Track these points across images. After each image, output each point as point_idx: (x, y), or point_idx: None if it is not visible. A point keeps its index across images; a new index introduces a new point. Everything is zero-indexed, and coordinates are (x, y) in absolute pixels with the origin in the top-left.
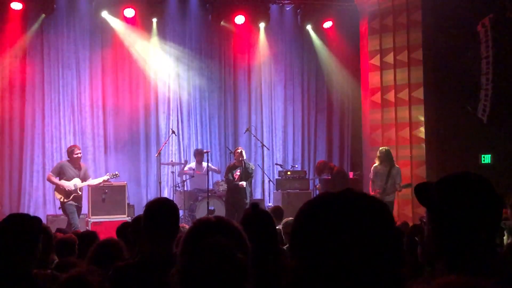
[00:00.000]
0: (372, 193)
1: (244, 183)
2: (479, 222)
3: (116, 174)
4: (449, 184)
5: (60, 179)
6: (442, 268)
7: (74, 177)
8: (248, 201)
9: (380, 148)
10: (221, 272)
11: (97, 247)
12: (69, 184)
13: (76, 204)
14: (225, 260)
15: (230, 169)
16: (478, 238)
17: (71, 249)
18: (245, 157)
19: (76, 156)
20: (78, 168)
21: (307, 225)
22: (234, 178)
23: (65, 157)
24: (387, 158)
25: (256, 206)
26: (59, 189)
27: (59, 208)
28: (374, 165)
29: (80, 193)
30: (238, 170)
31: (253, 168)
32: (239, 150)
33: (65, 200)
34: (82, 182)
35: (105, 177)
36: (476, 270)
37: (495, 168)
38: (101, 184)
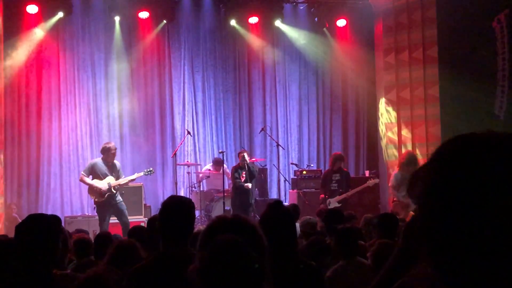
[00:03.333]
0: (400, 207)
1: (249, 185)
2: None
3: (150, 171)
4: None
5: (92, 179)
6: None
7: (107, 176)
8: (253, 201)
9: (409, 153)
10: (234, 269)
11: (115, 249)
12: (102, 185)
13: (111, 202)
14: (237, 257)
15: (236, 169)
16: None
17: (87, 249)
18: (248, 160)
19: (112, 153)
20: (112, 165)
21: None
22: (240, 179)
23: (82, 159)
24: (413, 162)
25: (279, 204)
26: (92, 189)
27: (94, 208)
28: (396, 172)
29: (115, 191)
30: (244, 172)
31: (257, 170)
32: (242, 154)
33: (97, 200)
34: (116, 180)
35: (140, 174)
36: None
37: None
38: (135, 181)
